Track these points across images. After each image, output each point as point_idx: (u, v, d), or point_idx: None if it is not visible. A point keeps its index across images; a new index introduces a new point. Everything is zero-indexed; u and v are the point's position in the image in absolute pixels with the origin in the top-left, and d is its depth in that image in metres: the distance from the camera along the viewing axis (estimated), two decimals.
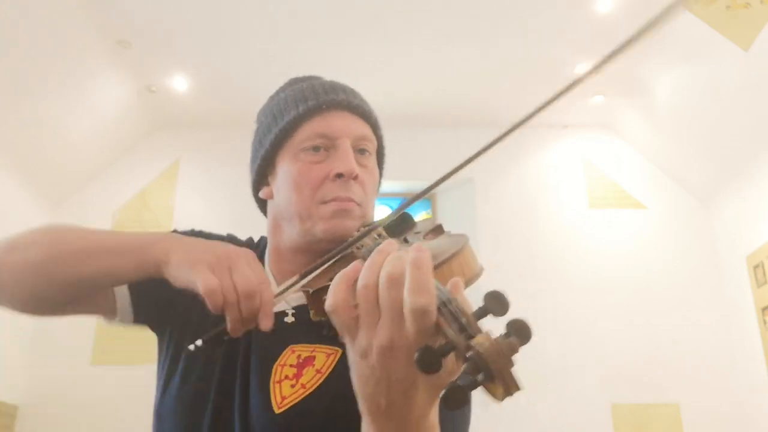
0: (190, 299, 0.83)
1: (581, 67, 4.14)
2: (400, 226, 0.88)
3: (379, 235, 0.83)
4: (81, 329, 4.23)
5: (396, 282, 0.54)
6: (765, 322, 3.87)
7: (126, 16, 3.67)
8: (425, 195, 0.72)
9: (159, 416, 0.92)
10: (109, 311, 0.95)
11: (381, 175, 1.00)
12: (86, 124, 4.27)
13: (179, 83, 4.32)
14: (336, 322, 0.59)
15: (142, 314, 0.97)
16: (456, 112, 4.67)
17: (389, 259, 0.57)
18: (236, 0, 3.57)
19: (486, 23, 3.78)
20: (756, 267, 3.95)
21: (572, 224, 4.58)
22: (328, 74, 1.05)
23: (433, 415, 0.60)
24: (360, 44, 3.97)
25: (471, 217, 4.61)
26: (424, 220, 0.94)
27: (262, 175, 0.97)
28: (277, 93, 1.00)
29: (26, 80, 3.65)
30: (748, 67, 3.46)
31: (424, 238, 0.82)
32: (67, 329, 4.21)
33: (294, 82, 1.01)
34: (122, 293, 0.95)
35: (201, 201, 4.66)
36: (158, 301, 0.95)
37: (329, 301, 0.58)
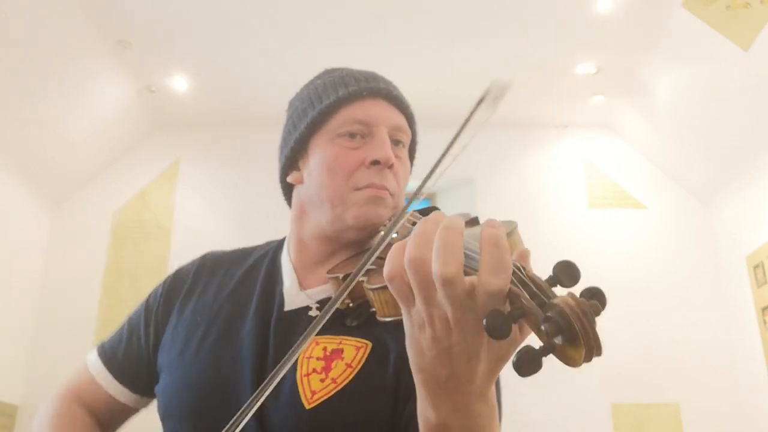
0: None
1: (581, 67, 4.14)
2: None
3: (414, 223, 0.81)
4: (81, 329, 4.22)
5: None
6: (765, 322, 3.87)
7: (126, 16, 3.67)
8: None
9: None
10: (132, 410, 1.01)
11: (410, 171, 0.99)
12: (86, 124, 4.26)
13: (179, 83, 4.32)
14: (393, 291, 0.55)
15: (142, 388, 0.99)
16: (456, 112, 4.65)
17: (443, 224, 0.52)
18: (236, 0, 3.57)
19: (486, 23, 3.78)
20: (756, 267, 3.95)
21: (572, 224, 4.58)
22: None
23: (492, 394, 0.58)
24: (360, 44, 3.97)
25: None
26: (457, 213, 0.93)
27: (292, 160, 0.95)
28: (313, 81, 0.99)
29: (26, 80, 3.65)
30: (748, 67, 3.45)
31: None
32: (67, 329, 4.21)
33: (331, 70, 0.99)
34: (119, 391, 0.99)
35: (201, 201, 4.66)
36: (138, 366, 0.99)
37: (386, 268, 0.54)
